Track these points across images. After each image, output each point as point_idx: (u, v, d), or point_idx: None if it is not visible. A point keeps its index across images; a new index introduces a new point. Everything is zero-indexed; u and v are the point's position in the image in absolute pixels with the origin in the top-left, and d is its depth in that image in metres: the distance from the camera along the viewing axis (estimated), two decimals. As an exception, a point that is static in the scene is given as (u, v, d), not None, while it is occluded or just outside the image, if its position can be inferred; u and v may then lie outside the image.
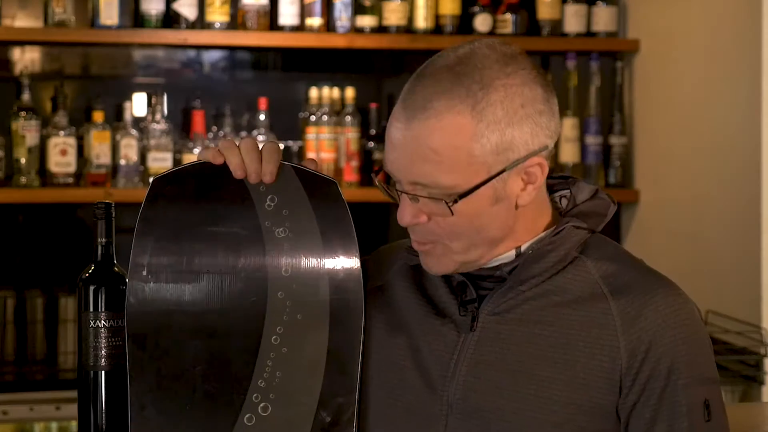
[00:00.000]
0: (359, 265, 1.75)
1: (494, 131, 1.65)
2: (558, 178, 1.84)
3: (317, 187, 1.74)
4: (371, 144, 4.15)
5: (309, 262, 1.74)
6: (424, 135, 1.65)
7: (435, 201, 1.67)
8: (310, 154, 4.00)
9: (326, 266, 1.74)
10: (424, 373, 1.75)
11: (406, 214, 1.70)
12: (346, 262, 1.75)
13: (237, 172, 1.72)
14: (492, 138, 1.66)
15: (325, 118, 4.07)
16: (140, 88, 4.15)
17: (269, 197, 1.74)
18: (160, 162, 3.96)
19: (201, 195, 1.74)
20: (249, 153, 1.72)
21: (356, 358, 1.75)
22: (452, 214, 1.67)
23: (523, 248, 1.74)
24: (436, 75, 1.67)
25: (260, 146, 1.76)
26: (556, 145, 1.98)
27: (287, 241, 1.74)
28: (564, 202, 1.81)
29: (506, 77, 1.67)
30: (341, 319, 1.74)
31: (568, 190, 1.81)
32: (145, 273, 1.73)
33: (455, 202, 1.66)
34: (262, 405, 1.74)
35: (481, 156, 1.66)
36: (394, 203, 1.75)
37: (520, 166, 1.68)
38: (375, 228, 4.19)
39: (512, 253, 1.74)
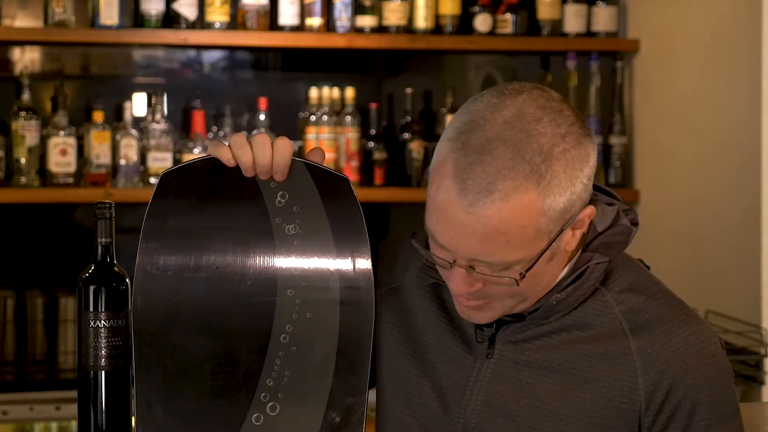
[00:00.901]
0: (371, 263, 1.73)
1: (559, 202, 1.60)
2: None
3: (329, 184, 1.72)
4: (371, 144, 4.15)
5: (319, 259, 1.72)
6: (489, 216, 1.58)
7: (498, 277, 1.63)
8: (311, 155, 4.00)
9: (337, 264, 1.72)
10: (440, 394, 1.74)
11: (461, 284, 1.65)
12: (357, 260, 1.73)
13: (247, 172, 1.70)
14: (557, 208, 1.60)
15: (325, 118, 4.06)
16: (140, 88, 4.15)
17: (280, 193, 1.72)
18: (160, 162, 3.95)
19: (210, 190, 1.72)
20: (260, 150, 1.69)
21: (366, 358, 1.73)
22: (518, 285, 1.63)
23: (552, 299, 1.70)
24: (491, 150, 1.59)
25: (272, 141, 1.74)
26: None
27: (297, 239, 1.72)
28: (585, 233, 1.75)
29: (563, 141, 1.61)
30: (351, 318, 1.72)
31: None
32: (152, 269, 1.72)
33: (523, 277, 1.62)
34: (270, 404, 1.73)
35: (546, 226, 1.61)
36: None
37: (574, 220, 1.64)
38: (375, 228, 4.19)
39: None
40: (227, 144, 1.71)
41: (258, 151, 1.69)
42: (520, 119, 1.60)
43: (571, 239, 1.66)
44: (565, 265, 1.71)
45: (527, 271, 1.62)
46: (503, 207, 1.58)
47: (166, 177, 1.73)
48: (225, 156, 1.70)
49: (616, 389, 1.66)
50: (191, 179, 1.72)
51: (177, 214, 1.72)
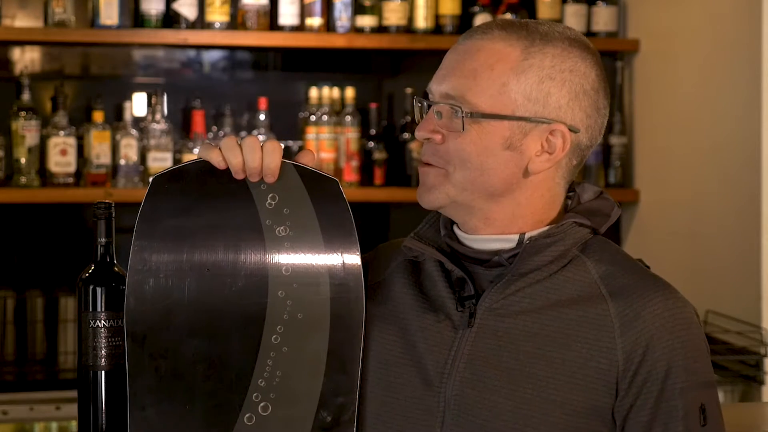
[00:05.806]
0: (360, 264, 1.74)
1: (535, 76, 1.71)
2: None
3: (318, 185, 1.73)
4: (371, 144, 4.15)
5: (310, 261, 1.73)
6: (473, 51, 1.73)
7: (453, 113, 1.72)
8: (310, 154, 4.00)
9: (327, 265, 1.73)
10: (421, 369, 1.75)
11: (424, 126, 1.76)
12: (347, 261, 1.74)
13: (238, 174, 1.71)
14: (530, 80, 1.71)
15: (325, 118, 4.07)
16: (140, 88, 4.15)
17: (270, 195, 1.73)
18: (160, 162, 3.96)
19: (201, 193, 1.73)
20: (251, 152, 1.70)
21: (357, 357, 1.74)
22: (463, 129, 1.71)
23: (525, 237, 1.74)
24: (512, 20, 1.77)
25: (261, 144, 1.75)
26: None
27: (288, 240, 1.73)
28: (569, 203, 1.81)
29: (569, 46, 1.73)
30: (342, 319, 1.73)
31: (574, 192, 1.81)
32: (144, 271, 1.72)
33: (471, 116, 1.71)
34: (262, 404, 1.74)
35: (513, 92, 1.71)
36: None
37: (544, 126, 1.72)
38: (375, 228, 4.19)
39: (514, 239, 1.75)
40: (218, 147, 1.73)
41: (248, 154, 1.71)
42: (549, 22, 1.77)
43: (536, 157, 1.73)
44: (547, 225, 1.76)
45: (477, 116, 1.70)
46: (486, 44, 1.72)
47: (158, 180, 1.74)
48: (215, 158, 1.72)
49: (595, 350, 1.69)
50: (182, 182, 1.73)
51: (168, 216, 1.73)
